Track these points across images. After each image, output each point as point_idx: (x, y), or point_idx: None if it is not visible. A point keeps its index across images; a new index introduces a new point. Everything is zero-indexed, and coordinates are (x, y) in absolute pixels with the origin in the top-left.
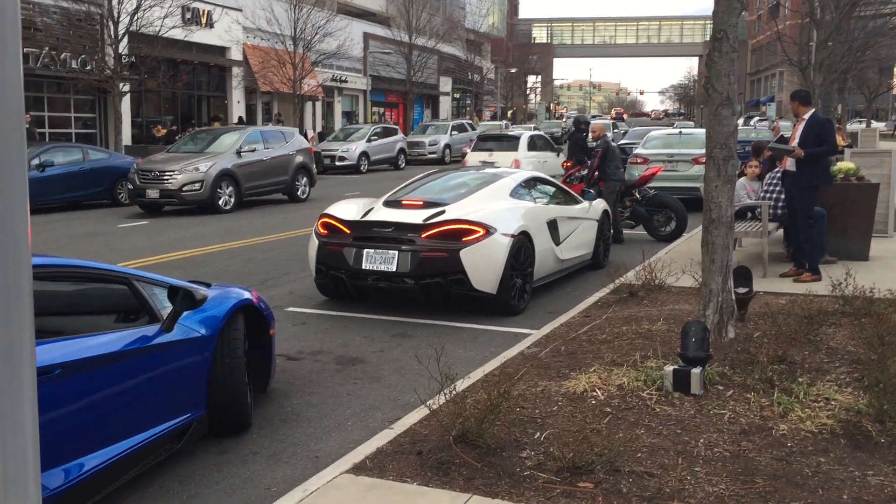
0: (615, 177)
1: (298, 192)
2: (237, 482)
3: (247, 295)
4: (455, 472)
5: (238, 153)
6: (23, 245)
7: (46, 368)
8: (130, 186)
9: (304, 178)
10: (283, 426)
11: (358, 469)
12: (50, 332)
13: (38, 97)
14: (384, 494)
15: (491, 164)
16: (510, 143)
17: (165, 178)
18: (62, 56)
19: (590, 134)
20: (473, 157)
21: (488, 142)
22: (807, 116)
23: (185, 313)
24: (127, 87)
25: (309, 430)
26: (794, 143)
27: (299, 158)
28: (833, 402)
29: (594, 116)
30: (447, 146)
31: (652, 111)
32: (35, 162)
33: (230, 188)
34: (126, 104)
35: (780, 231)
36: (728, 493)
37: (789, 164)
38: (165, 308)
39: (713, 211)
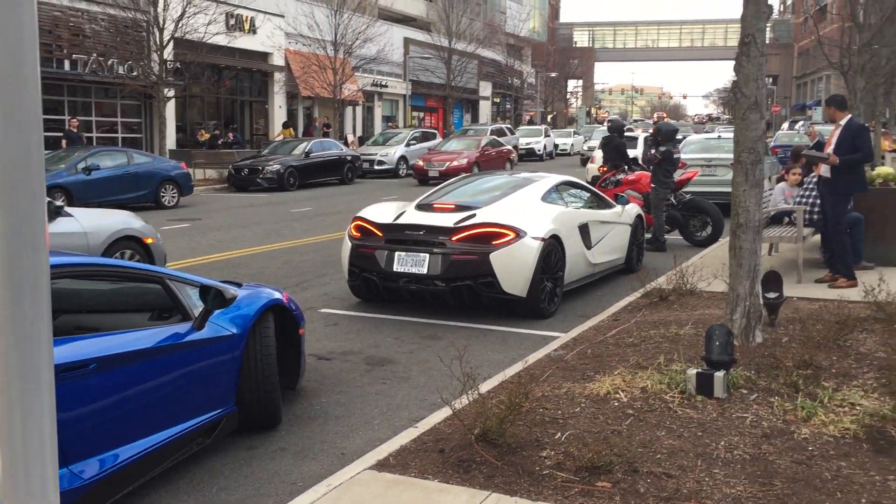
0: (666, 185)
1: None
2: (265, 476)
3: (277, 295)
4: (475, 470)
5: None
6: (41, 246)
7: (82, 363)
8: None
9: None
10: (312, 423)
11: (381, 466)
12: (87, 329)
13: (87, 102)
14: (404, 490)
15: None
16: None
17: None
18: (109, 62)
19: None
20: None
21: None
22: (843, 122)
23: (216, 312)
24: (171, 93)
25: (336, 427)
26: (830, 149)
27: None
28: (858, 407)
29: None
30: None
31: (695, 115)
32: (81, 165)
33: None
34: (171, 109)
35: (818, 236)
36: (745, 495)
37: (824, 170)
38: (198, 307)
39: (741, 215)
